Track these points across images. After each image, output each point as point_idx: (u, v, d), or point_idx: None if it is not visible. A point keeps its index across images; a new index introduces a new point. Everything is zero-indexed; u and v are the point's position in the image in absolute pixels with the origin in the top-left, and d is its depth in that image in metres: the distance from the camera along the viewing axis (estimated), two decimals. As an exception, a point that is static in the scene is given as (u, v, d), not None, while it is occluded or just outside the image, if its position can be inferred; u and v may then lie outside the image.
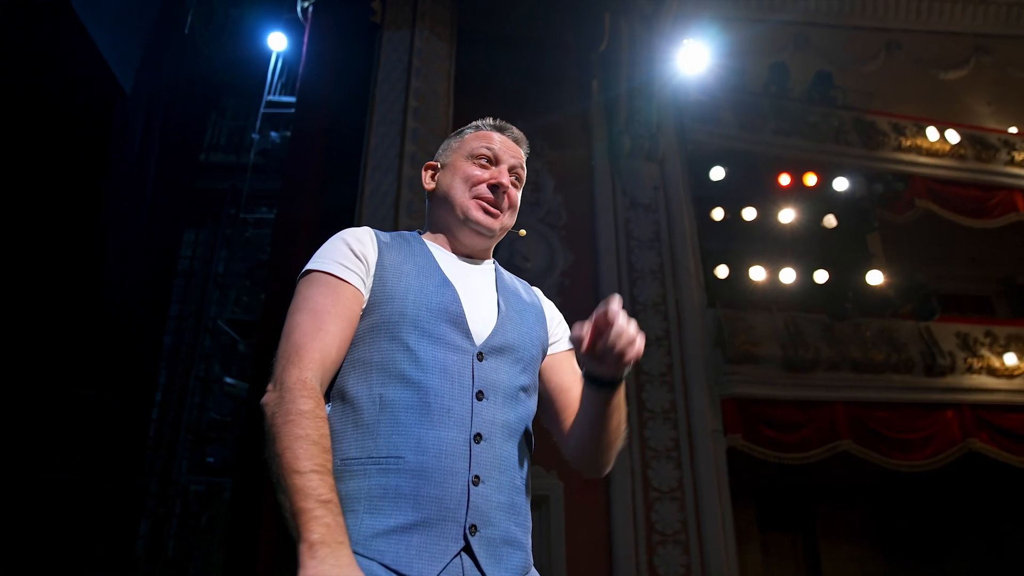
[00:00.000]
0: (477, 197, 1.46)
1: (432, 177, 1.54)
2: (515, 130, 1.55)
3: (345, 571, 0.99)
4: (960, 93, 13.11)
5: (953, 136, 10.30)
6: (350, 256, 1.33)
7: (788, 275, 8.82)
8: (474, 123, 1.56)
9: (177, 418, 8.70)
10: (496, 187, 1.46)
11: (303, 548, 1.00)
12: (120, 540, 7.89)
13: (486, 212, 1.46)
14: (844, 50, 12.85)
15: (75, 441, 7.25)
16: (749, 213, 9.48)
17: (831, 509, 10.24)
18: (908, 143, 10.07)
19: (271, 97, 7.40)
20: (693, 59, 9.08)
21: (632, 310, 8.23)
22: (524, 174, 1.54)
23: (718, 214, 9.66)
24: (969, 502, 10.13)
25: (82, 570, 6.92)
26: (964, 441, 8.14)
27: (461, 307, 1.34)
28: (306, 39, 6.97)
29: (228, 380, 6.49)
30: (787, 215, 9.29)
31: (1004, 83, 13.30)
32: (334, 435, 1.20)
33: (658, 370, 7.98)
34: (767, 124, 9.82)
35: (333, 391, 1.27)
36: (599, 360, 1.22)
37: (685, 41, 9.30)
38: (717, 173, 9.39)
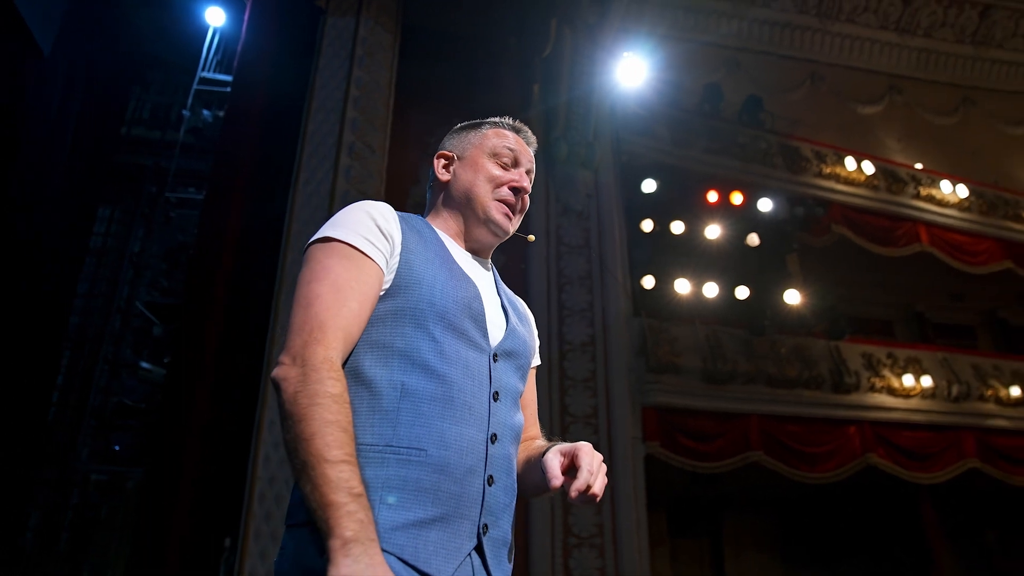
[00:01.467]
0: (499, 199, 1.44)
1: (446, 168, 1.50)
2: (530, 133, 1.54)
3: (379, 571, 0.96)
4: (874, 127, 13.85)
5: (869, 167, 10.87)
6: (375, 231, 1.26)
7: (711, 289, 9.09)
8: (491, 119, 1.54)
9: (81, 402, 8.25)
10: (517, 191, 1.46)
11: (335, 544, 0.96)
12: (4, 531, 7.41)
13: (506, 215, 1.45)
14: (773, 77, 13.39)
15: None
16: (677, 227, 9.71)
17: (737, 517, 10.63)
18: (828, 170, 10.56)
19: (205, 74, 7.11)
20: (633, 72, 9.25)
21: (559, 315, 8.33)
22: (534, 174, 1.54)
23: (647, 225, 9.85)
24: (861, 512, 10.70)
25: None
26: (863, 455, 8.60)
27: (482, 305, 1.33)
28: (247, 17, 6.74)
29: (144, 365, 6.17)
30: (713, 231, 9.57)
31: (913, 121, 14.15)
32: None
33: (582, 376, 8.09)
34: (699, 142, 10.11)
35: (350, 368, 1.20)
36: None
37: (625, 54, 9.47)
38: (649, 185, 9.58)
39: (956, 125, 14.34)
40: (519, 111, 9.00)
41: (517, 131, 1.52)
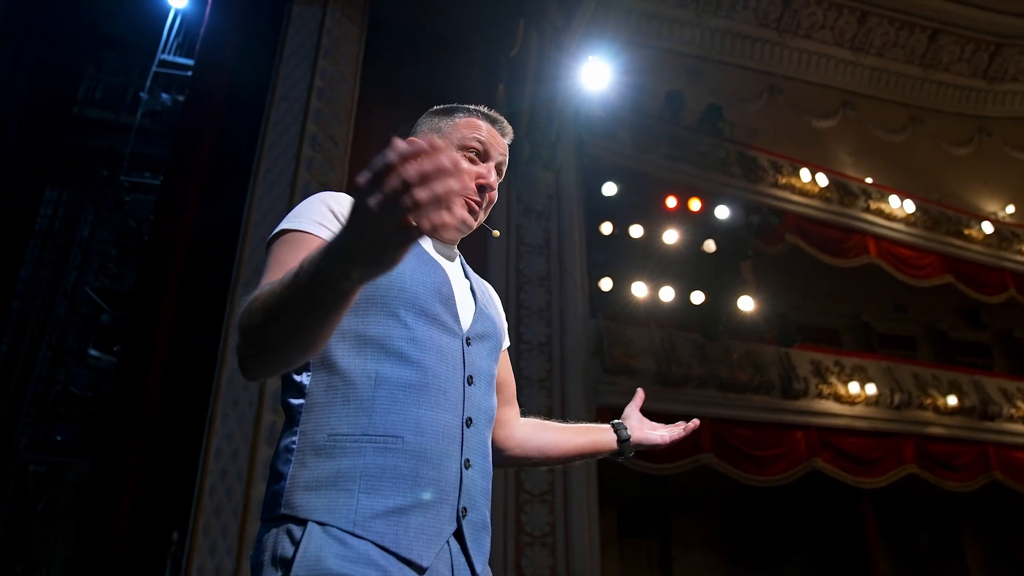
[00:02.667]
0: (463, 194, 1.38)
1: None
2: (504, 122, 1.48)
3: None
4: (828, 141, 14.25)
5: (823, 179, 11.17)
6: (329, 216, 1.22)
7: (667, 293, 9.23)
8: (464, 106, 1.47)
9: (20, 390, 7.95)
10: (483, 188, 1.40)
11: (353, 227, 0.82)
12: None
13: (470, 210, 1.39)
14: (732, 87, 13.67)
15: None
16: (636, 230, 9.82)
17: (685, 519, 10.81)
18: (784, 181, 10.82)
19: (165, 56, 6.93)
20: (597, 75, 9.32)
21: (517, 315, 8.36)
22: (506, 167, 1.49)
23: (607, 228, 9.95)
24: (805, 515, 10.99)
25: None
26: (809, 460, 8.84)
27: (451, 289, 1.32)
28: (211, 1, 6.60)
29: (93, 353, 5.99)
30: (671, 236, 9.71)
31: (865, 137, 14.61)
32: (320, 408, 1.15)
33: (538, 375, 8.14)
34: (660, 147, 10.26)
35: (316, 360, 1.18)
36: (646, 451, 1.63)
37: (590, 57, 9.54)
38: (610, 188, 9.67)
39: (904, 143, 14.85)
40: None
41: (492, 121, 1.46)
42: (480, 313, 1.37)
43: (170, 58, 6.99)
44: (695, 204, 9.73)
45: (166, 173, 6.16)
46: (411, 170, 0.76)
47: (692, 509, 10.87)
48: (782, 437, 8.82)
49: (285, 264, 1.12)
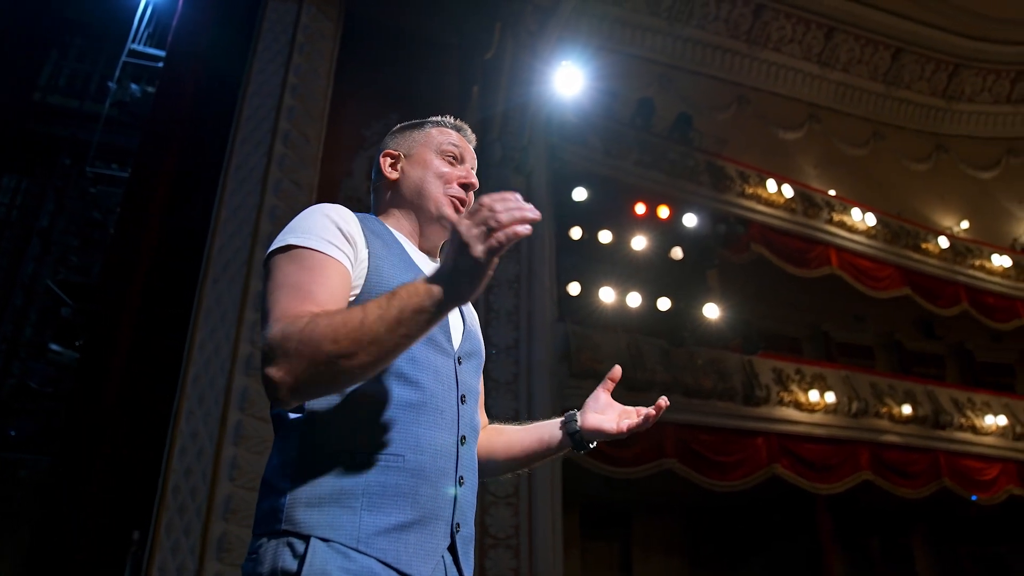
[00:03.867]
0: (451, 195, 1.44)
1: (393, 166, 1.49)
2: (469, 131, 1.55)
3: None
4: (794, 152, 14.54)
5: (788, 191, 11.40)
6: (337, 234, 1.22)
7: (634, 299, 9.33)
8: (432, 118, 1.54)
9: (-28, 383, 7.73)
10: (467, 186, 1.46)
11: (440, 292, 1.01)
12: None
13: (456, 210, 1.43)
14: (702, 96, 13.88)
15: None
16: (605, 236, 9.91)
17: (646, 521, 10.94)
18: (751, 191, 11.01)
19: (135, 46, 6.79)
20: (570, 80, 9.38)
21: (486, 318, 8.37)
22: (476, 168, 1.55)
23: (576, 233, 10.02)
24: (762, 518, 11.20)
25: None
26: (769, 466, 9.02)
27: None
28: (183, -8, 6.50)
29: (53, 347, 5.84)
30: (639, 242, 9.82)
31: (829, 150, 14.95)
32: (322, 424, 1.15)
33: (505, 378, 8.16)
34: (631, 154, 10.36)
35: None
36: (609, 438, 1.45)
37: (564, 62, 9.60)
38: (580, 193, 9.74)
39: (867, 156, 15.24)
40: (458, 111, 8.98)
41: (459, 129, 1.52)
42: (468, 332, 1.40)
43: (140, 48, 6.86)
44: (664, 211, 9.85)
45: (135, 166, 6.04)
46: (507, 218, 0.97)
47: (654, 512, 11.01)
48: (744, 443, 8.98)
49: (302, 287, 1.12)
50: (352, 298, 1.22)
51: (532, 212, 1.00)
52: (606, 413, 1.47)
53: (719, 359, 9.28)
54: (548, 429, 1.53)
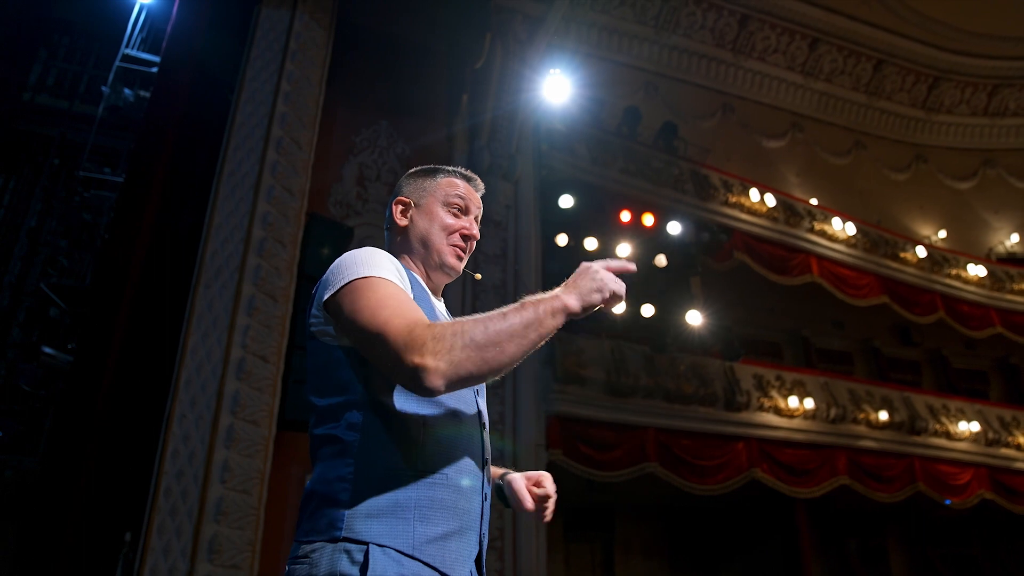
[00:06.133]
0: (452, 245, 1.61)
1: (403, 213, 1.66)
2: (478, 179, 1.71)
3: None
4: (777, 161, 14.78)
5: (771, 200, 11.60)
6: (396, 274, 1.41)
7: (618, 306, 9.45)
8: (444, 168, 1.70)
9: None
10: (468, 237, 1.63)
11: (569, 304, 1.31)
12: None
13: (458, 257, 1.62)
14: (688, 103, 14.08)
15: None
16: (591, 243, 10.03)
17: (628, 524, 11.10)
18: (734, 199, 11.20)
19: (128, 51, 6.84)
20: (558, 88, 9.52)
21: (473, 321, 8.47)
22: (481, 216, 1.72)
23: (562, 239, 10.12)
24: (742, 521, 11.40)
25: None
26: (749, 470, 9.21)
27: None
28: (178, -1, 6.54)
29: (47, 350, 5.88)
30: (624, 249, 9.94)
31: (811, 159, 15.21)
32: (377, 445, 1.32)
33: (491, 383, 8.25)
34: (616, 162, 10.51)
35: (375, 401, 1.34)
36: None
37: (553, 70, 9.73)
38: (566, 201, 9.85)
39: (848, 166, 15.51)
40: (447, 119, 9.12)
41: (467, 180, 1.68)
42: None
43: (134, 53, 6.91)
44: (648, 219, 9.99)
45: (129, 171, 6.09)
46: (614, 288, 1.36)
47: (635, 515, 11.17)
48: (724, 448, 9.16)
49: (401, 303, 1.31)
50: None
51: (630, 266, 1.42)
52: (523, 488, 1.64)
53: (701, 365, 9.46)
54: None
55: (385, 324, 1.25)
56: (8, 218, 8.84)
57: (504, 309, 1.26)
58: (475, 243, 1.67)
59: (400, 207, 1.66)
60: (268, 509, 5.45)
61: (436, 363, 1.18)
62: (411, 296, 1.38)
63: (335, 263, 1.43)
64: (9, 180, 9.09)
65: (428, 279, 1.62)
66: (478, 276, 1.80)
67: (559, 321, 1.29)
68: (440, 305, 1.62)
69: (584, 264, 1.35)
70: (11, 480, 7.71)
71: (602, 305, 1.35)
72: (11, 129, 8.80)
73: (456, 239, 1.61)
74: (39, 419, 7.25)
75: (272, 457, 5.54)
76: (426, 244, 1.61)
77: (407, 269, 1.56)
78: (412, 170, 1.72)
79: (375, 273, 1.35)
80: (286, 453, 6.16)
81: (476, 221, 1.68)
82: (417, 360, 1.18)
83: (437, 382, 1.19)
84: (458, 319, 1.25)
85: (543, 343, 1.28)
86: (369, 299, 1.31)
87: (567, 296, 1.31)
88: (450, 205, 1.63)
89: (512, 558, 7.28)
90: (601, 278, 1.35)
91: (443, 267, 1.61)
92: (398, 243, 1.65)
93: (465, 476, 1.37)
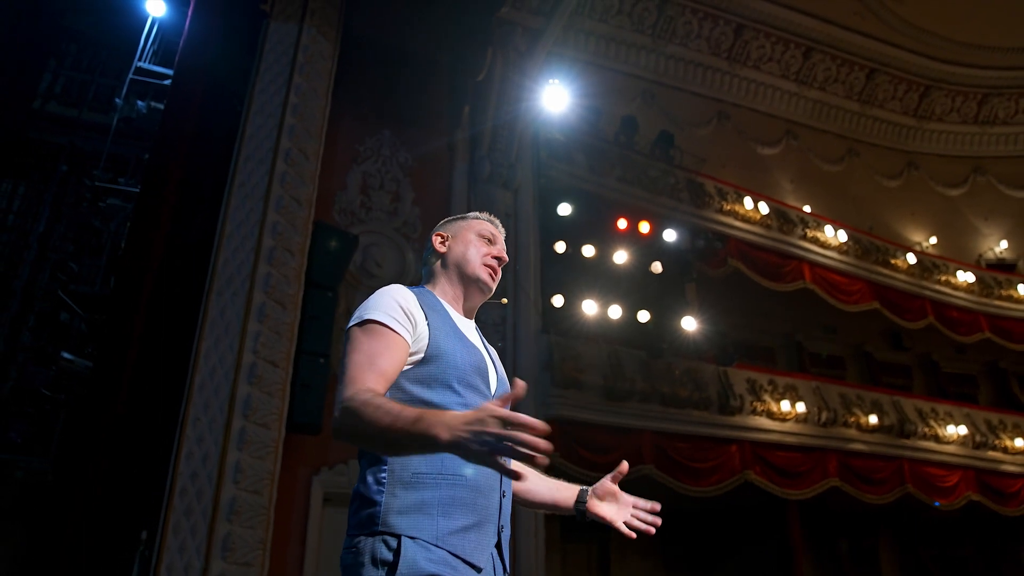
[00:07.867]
0: (486, 264, 1.90)
1: (442, 243, 1.96)
2: (498, 222, 2.04)
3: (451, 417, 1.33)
4: (771, 168, 15.01)
5: (764, 207, 11.83)
6: (400, 312, 1.65)
7: (615, 311, 9.68)
8: (473, 213, 2.03)
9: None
10: (499, 259, 1.93)
11: (438, 433, 1.28)
12: None
13: (490, 275, 1.90)
14: (684, 111, 14.31)
15: None
16: (588, 250, 10.23)
17: (624, 525, 11.28)
18: (728, 207, 11.43)
19: (141, 64, 7.03)
20: (556, 98, 9.73)
21: (473, 326, 8.67)
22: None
23: (561, 247, 10.31)
24: (735, 523, 11.61)
25: None
26: (742, 472, 9.43)
27: (486, 364, 1.76)
28: (190, 12, 6.74)
29: (66, 355, 6.07)
30: (620, 256, 10.16)
31: (805, 166, 15.45)
32: (408, 456, 1.55)
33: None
34: (614, 171, 10.72)
35: None
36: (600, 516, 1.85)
37: (552, 80, 9.95)
38: (564, 209, 10.05)
39: (841, 173, 15.75)
40: (448, 129, 9.33)
41: (493, 223, 2.00)
42: (500, 379, 1.83)
43: (146, 65, 7.11)
44: (644, 227, 10.20)
45: (144, 182, 6.29)
46: (497, 447, 1.24)
47: (631, 516, 11.33)
48: (718, 450, 9.38)
49: (373, 355, 1.58)
50: (419, 357, 1.66)
51: (536, 447, 1.22)
52: (606, 500, 1.88)
53: (696, 370, 9.67)
54: (563, 495, 1.92)
55: (344, 375, 1.56)
56: (18, 224, 9.03)
57: (405, 411, 1.36)
58: (501, 271, 1.94)
59: (439, 238, 1.97)
60: (277, 509, 5.65)
61: (337, 426, 1.47)
62: (403, 335, 1.62)
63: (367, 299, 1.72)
64: (19, 186, 9.28)
65: (464, 300, 1.89)
66: (504, 300, 2.07)
67: (428, 447, 1.33)
68: (468, 323, 1.85)
69: (487, 407, 1.28)
70: (21, 481, 7.89)
71: (487, 455, 1.25)
72: (21, 136, 8.98)
73: (489, 259, 1.90)
74: (50, 422, 7.43)
75: (281, 459, 5.75)
76: (463, 261, 1.89)
77: (437, 298, 1.82)
78: (449, 217, 2.04)
79: (374, 316, 1.63)
80: (294, 455, 6.36)
81: (503, 252, 1.96)
82: (335, 415, 1.48)
83: (335, 436, 1.49)
84: (373, 401, 1.42)
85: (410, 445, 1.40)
86: (354, 345, 1.61)
87: (441, 429, 1.28)
88: (482, 235, 1.94)
89: (511, 559, 7.47)
90: (487, 434, 1.23)
91: (478, 282, 1.87)
92: (436, 268, 1.94)
93: (483, 477, 1.59)
